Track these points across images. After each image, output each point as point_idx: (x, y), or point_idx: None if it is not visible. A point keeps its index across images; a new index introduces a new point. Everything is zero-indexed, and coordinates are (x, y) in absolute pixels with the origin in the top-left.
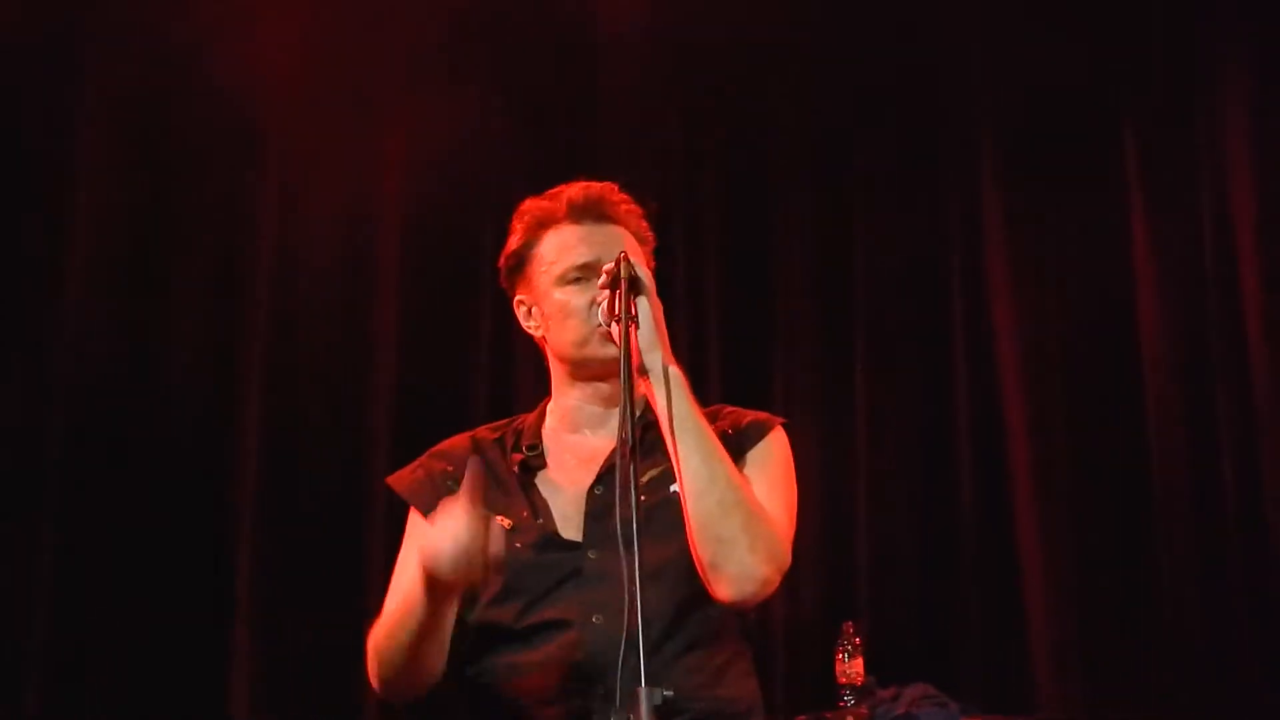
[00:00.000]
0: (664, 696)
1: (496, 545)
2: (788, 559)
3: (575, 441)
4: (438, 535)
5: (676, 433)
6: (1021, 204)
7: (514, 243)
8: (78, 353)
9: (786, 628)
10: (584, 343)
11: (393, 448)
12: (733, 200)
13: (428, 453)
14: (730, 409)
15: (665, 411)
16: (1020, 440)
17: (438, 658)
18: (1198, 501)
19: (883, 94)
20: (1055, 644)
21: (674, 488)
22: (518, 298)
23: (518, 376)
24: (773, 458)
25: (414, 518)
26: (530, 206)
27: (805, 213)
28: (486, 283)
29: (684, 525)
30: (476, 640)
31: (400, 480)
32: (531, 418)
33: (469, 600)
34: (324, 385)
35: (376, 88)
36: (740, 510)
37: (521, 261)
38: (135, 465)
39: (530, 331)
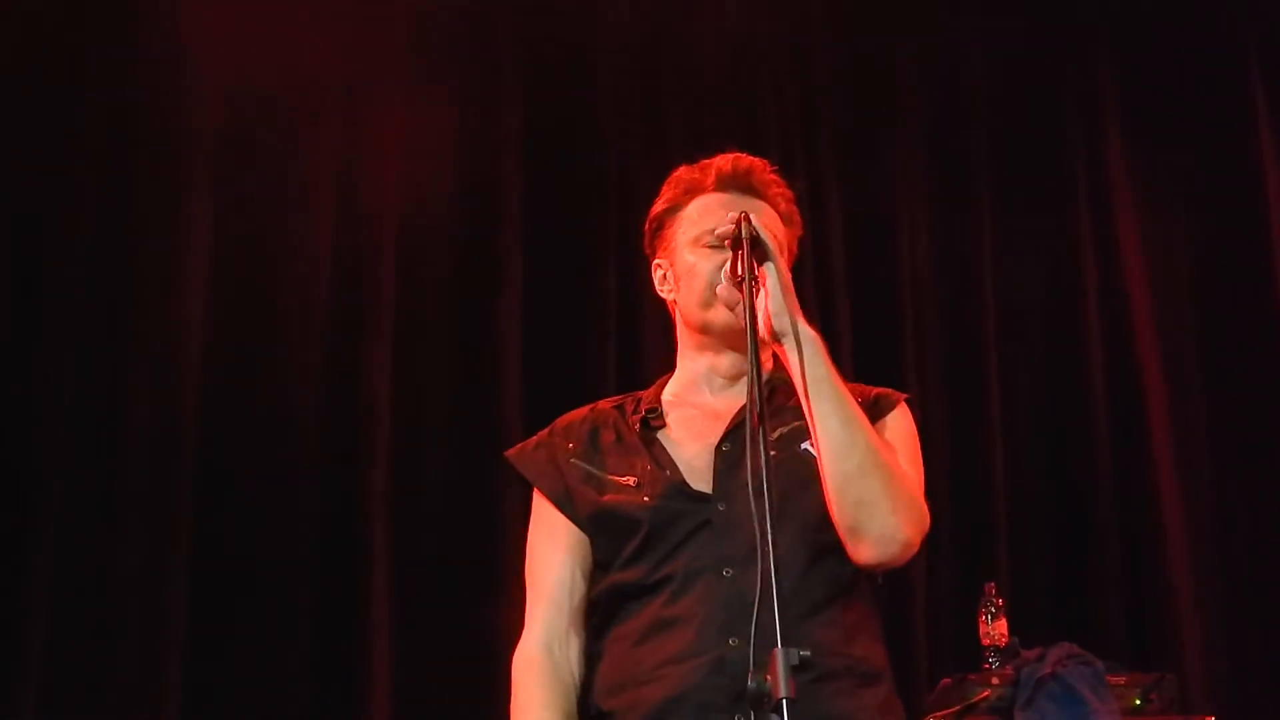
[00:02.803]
0: (801, 657)
1: None
2: (928, 521)
3: (699, 402)
4: None
5: (813, 396)
6: (1150, 157)
7: (659, 206)
8: (206, 354)
9: (926, 592)
10: (705, 303)
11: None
12: (855, 172)
13: (550, 427)
14: (853, 384)
15: (800, 375)
16: (1158, 395)
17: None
18: None
19: (1004, 48)
20: (1198, 600)
21: (804, 445)
22: (656, 261)
23: (644, 367)
24: (900, 432)
25: (538, 500)
26: (681, 174)
27: (929, 182)
28: (611, 268)
29: (814, 482)
30: (608, 603)
31: (522, 456)
32: (651, 390)
33: (603, 566)
34: (450, 373)
35: (485, 70)
36: (881, 472)
37: (662, 225)
38: (263, 476)
39: (664, 295)
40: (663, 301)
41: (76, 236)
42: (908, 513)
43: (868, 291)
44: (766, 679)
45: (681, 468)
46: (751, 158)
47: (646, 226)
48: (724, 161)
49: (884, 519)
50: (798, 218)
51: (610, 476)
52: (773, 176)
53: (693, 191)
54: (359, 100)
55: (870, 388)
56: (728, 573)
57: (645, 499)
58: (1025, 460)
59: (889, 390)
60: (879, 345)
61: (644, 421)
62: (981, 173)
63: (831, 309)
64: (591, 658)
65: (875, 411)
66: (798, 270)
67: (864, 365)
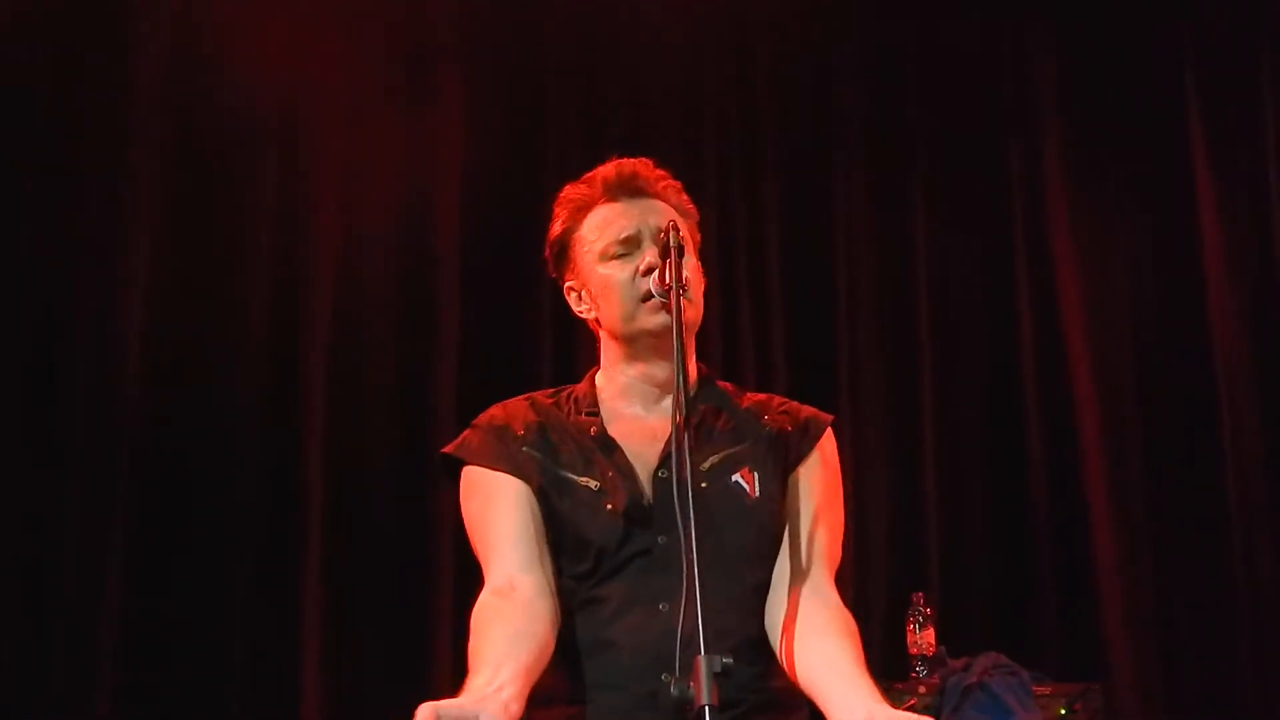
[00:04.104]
0: (724, 664)
1: None
2: None
3: (633, 415)
4: None
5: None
6: (1084, 166)
7: (556, 229)
8: (143, 355)
9: (856, 600)
10: (630, 316)
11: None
12: (792, 177)
13: (487, 415)
14: (781, 400)
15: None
16: (1090, 407)
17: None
18: (1272, 465)
19: (941, 58)
20: (1127, 611)
21: (735, 477)
22: (567, 284)
23: (577, 359)
24: (829, 469)
25: (476, 474)
26: (568, 192)
27: (866, 188)
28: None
29: (745, 516)
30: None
31: (463, 447)
32: (582, 387)
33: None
34: (387, 379)
35: (426, 69)
36: None
37: (565, 246)
38: (201, 469)
39: (583, 315)
40: (582, 321)
41: (19, 231)
42: None
43: (804, 305)
44: (689, 686)
45: (640, 481)
46: (634, 160)
47: (547, 252)
48: (608, 170)
49: None
50: (691, 205)
51: (568, 474)
52: (658, 172)
53: (584, 208)
54: (305, 105)
55: (799, 407)
56: (664, 606)
57: (609, 506)
58: (956, 471)
59: (817, 412)
60: (815, 355)
61: (603, 424)
62: (919, 188)
63: (766, 321)
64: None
65: (805, 438)
66: (734, 283)
67: (800, 375)
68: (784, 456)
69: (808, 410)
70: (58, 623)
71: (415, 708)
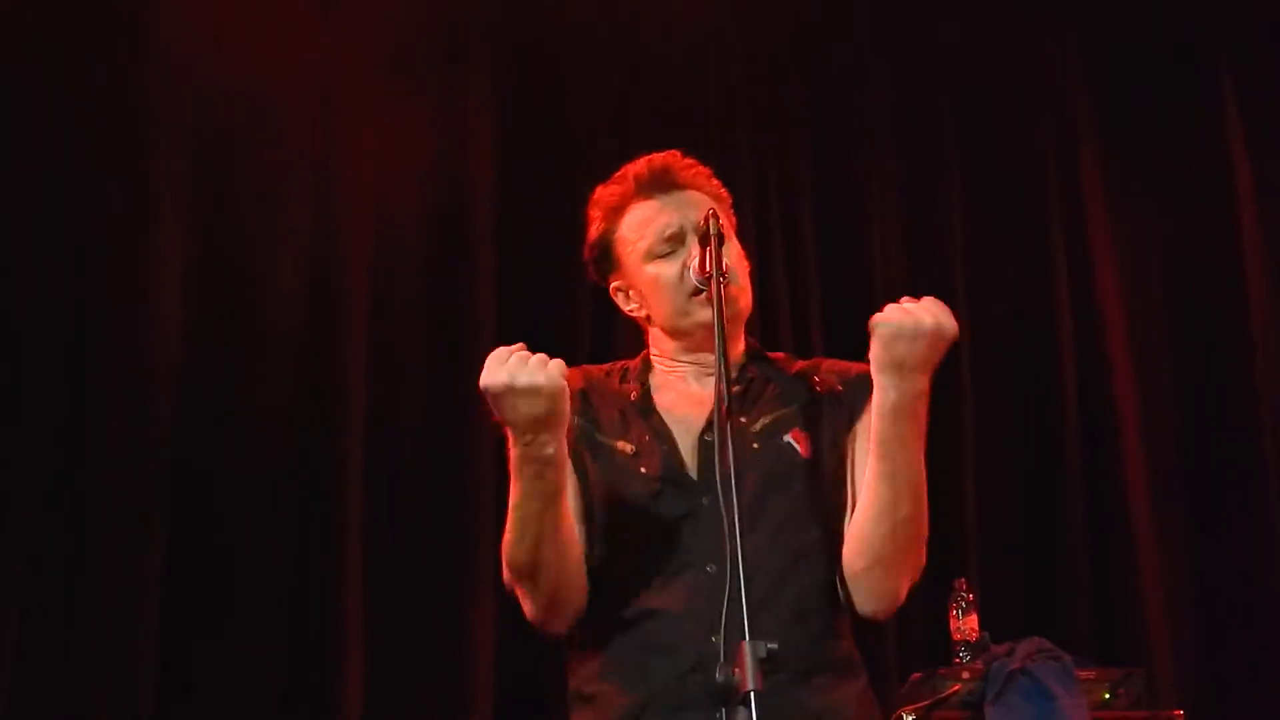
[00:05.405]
0: (769, 650)
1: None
2: (923, 565)
3: (679, 386)
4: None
5: (878, 451)
6: (1120, 158)
7: (594, 232)
8: (183, 347)
9: None
10: (684, 312)
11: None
12: (826, 166)
13: None
14: (830, 361)
15: (879, 417)
16: (1128, 392)
17: (572, 568)
18: None
19: (975, 47)
20: (1168, 595)
21: (787, 437)
22: (613, 285)
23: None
24: None
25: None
26: (601, 194)
27: (901, 193)
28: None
29: (797, 476)
30: (596, 586)
31: None
32: (636, 362)
33: (591, 541)
34: (423, 373)
35: (460, 63)
36: (909, 542)
37: (606, 248)
38: (238, 466)
39: (633, 315)
40: (632, 320)
41: (50, 227)
42: (913, 573)
43: (840, 303)
44: (735, 672)
45: (678, 445)
46: (663, 154)
47: (588, 255)
48: (638, 167)
49: (892, 582)
50: (724, 189)
51: (606, 439)
52: (687, 161)
53: (620, 208)
54: (334, 96)
55: (850, 365)
56: (712, 568)
57: (643, 469)
58: (996, 458)
59: (868, 368)
60: (853, 353)
61: (645, 390)
62: (954, 185)
63: (805, 321)
64: (573, 640)
65: (857, 395)
66: (772, 282)
67: None
68: (838, 415)
69: (859, 366)
70: (98, 624)
71: (455, 715)
